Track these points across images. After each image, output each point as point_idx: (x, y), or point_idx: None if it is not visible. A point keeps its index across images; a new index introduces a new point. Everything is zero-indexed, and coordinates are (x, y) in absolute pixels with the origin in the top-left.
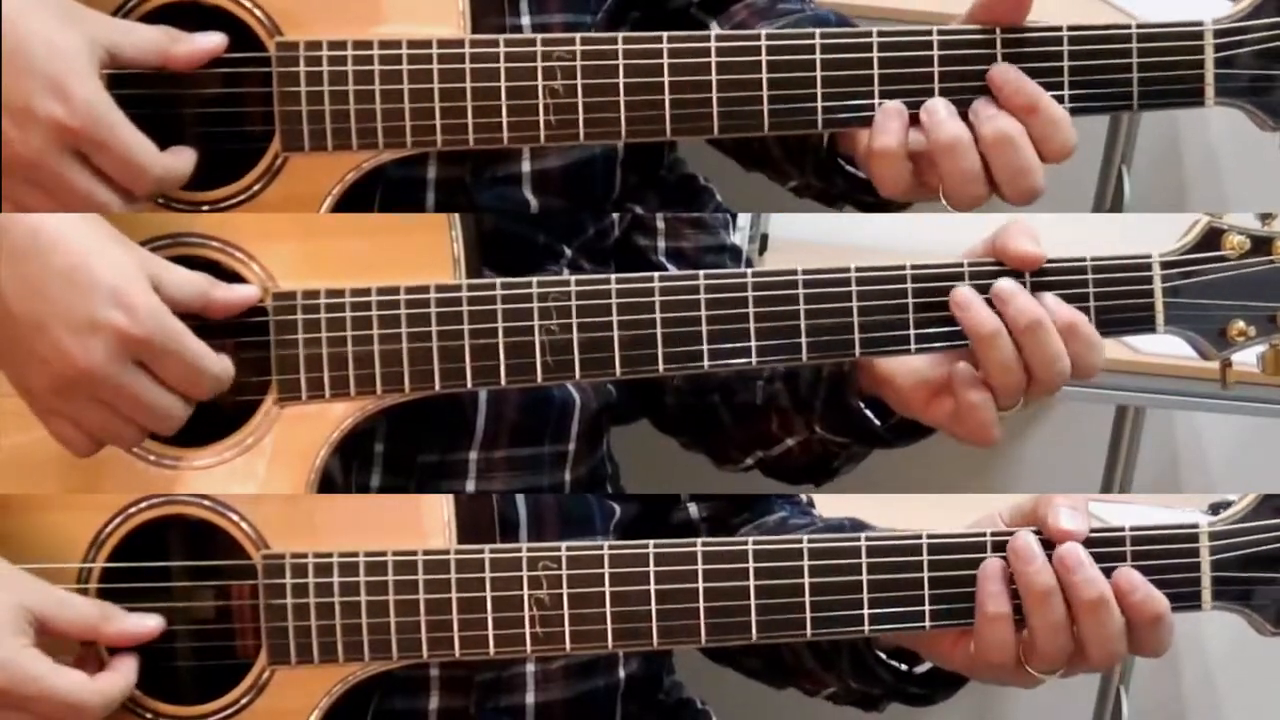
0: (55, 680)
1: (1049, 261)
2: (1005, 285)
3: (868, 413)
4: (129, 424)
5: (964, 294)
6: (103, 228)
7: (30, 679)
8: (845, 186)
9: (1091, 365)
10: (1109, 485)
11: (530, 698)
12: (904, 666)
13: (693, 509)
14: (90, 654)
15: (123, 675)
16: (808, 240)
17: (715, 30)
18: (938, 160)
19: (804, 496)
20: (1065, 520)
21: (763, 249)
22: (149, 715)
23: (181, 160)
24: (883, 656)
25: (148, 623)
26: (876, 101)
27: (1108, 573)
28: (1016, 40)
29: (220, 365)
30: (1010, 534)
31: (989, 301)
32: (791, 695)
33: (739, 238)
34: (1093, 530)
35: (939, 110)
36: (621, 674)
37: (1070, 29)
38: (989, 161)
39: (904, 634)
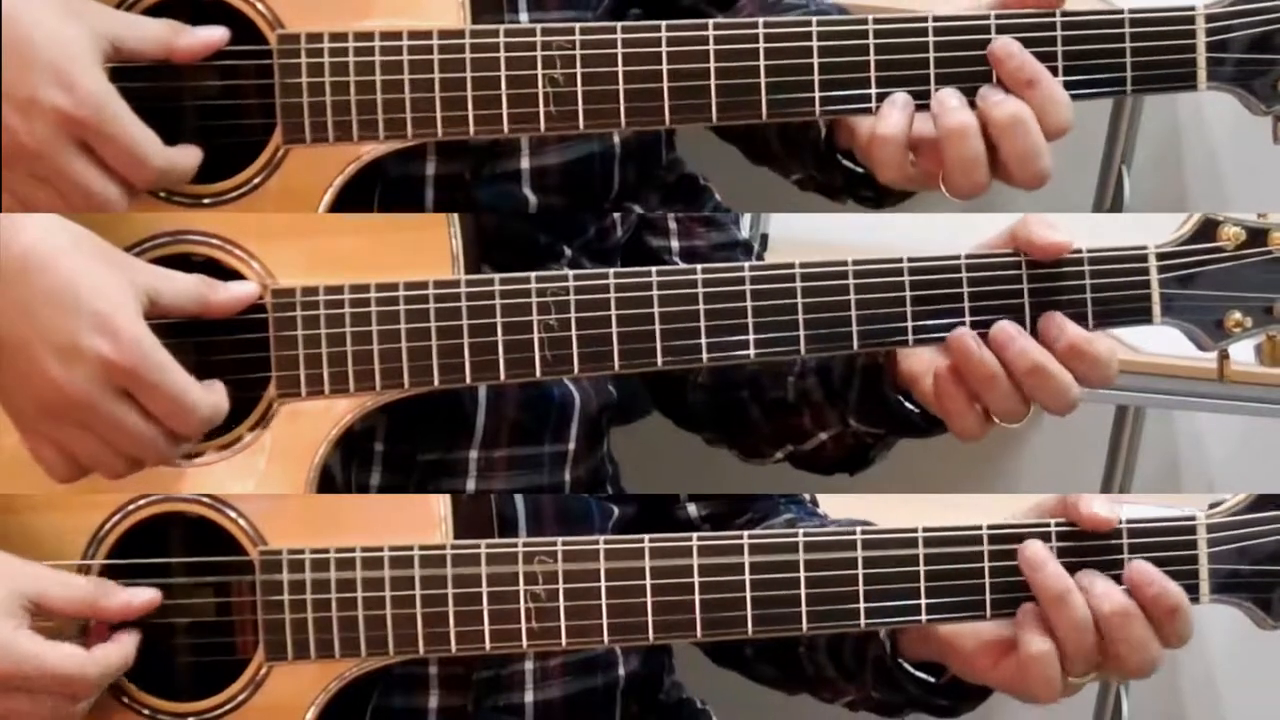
0: (50, 655)
1: None
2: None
3: (906, 404)
4: (114, 454)
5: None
6: (96, 249)
7: (26, 658)
8: (844, 180)
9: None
10: (1109, 485)
11: (529, 696)
12: (929, 678)
13: (692, 509)
14: (100, 630)
15: (120, 647)
16: (808, 240)
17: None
18: (944, 146)
19: (806, 496)
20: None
21: (763, 248)
22: (146, 711)
23: (186, 156)
24: (908, 668)
25: (144, 595)
26: (874, 91)
27: (1111, 565)
28: (1010, 25)
29: (209, 401)
30: (1012, 527)
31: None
32: (792, 696)
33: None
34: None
35: (950, 99)
36: (621, 672)
37: (1064, 14)
38: (999, 146)
39: (933, 648)
